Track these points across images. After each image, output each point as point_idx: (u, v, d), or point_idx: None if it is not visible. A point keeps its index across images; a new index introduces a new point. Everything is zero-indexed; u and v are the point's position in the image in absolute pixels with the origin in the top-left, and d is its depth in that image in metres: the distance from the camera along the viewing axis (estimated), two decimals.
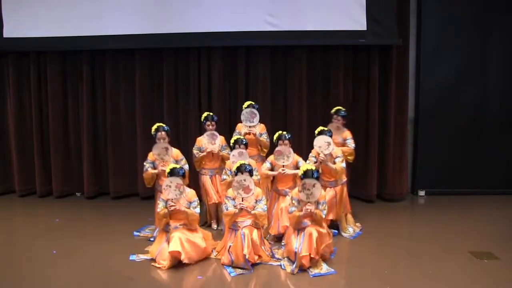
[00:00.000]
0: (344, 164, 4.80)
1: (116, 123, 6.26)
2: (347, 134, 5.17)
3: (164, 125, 4.87)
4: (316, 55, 6.02)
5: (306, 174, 4.03)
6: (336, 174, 4.77)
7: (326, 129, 4.82)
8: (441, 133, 6.23)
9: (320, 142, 4.68)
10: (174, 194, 4.14)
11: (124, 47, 6.00)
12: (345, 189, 4.96)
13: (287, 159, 4.55)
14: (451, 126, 6.23)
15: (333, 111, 5.22)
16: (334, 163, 4.74)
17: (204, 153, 4.99)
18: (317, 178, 4.05)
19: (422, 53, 6.14)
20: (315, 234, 3.94)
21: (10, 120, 6.41)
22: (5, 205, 6.11)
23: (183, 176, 4.31)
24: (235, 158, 4.59)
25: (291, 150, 4.60)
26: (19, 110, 6.35)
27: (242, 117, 5.15)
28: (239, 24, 5.77)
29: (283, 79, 6.08)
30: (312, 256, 3.93)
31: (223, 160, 5.04)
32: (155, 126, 4.83)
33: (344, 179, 4.93)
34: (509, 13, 6.06)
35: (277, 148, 4.62)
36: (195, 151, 5.08)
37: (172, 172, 4.23)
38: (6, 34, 6.08)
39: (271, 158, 4.72)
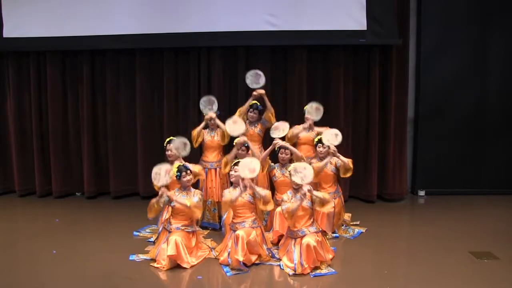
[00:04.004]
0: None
1: (116, 123, 6.26)
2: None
3: (175, 138, 4.82)
4: (316, 55, 6.02)
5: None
6: (346, 171, 4.85)
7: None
8: (441, 133, 6.23)
9: (328, 136, 4.80)
10: (165, 180, 4.13)
11: (124, 47, 6.00)
12: (342, 200, 5.03)
13: (282, 132, 4.78)
14: (451, 126, 6.23)
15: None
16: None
17: (203, 124, 5.04)
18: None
19: (422, 53, 6.15)
20: (313, 244, 3.92)
21: (10, 120, 6.41)
22: (5, 205, 6.11)
23: (188, 171, 4.30)
24: (230, 127, 4.83)
25: (287, 125, 4.84)
26: (19, 110, 6.36)
27: (247, 81, 5.20)
28: (239, 24, 5.77)
29: (283, 79, 6.08)
30: (312, 266, 3.95)
31: (223, 135, 5.03)
32: (167, 140, 4.84)
33: (340, 190, 5.03)
34: (509, 13, 6.07)
35: (275, 124, 4.85)
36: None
37: (179, 169, 4.25)
38: (6, 34, 6.08)
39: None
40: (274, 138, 4.80)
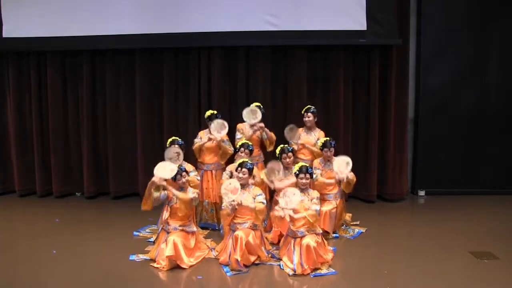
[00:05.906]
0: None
1: (116, 123, 6.26)
2: (321, 134, 5.23)
3: (178, 138, 4.87)
4: (316, 55, 6.02)
5: (301, 169, 4.17)
6: (347, 187, 4.82)
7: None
8: (441, 133, 6.23)
9: (338, 164, 4.74)
10: (167, 174, 4.15)
11: (124, 47, 6.00)
12: (343, 202, 5.01)
13: (278, 174, 4.59)
14: (451, 126, 6.23)
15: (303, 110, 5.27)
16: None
17: (205, 141, 4.99)
18: (311, 175, 4.21)
19: (422, 53, 6.14)
20: (313, 245, 3.92)
21: (10, 120, 6.41)
22: (5, 205, 6.11)
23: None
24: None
25: (281, 165, 4.62)
26: (19, 110, 6.35)
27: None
28: (239, 24, 5.77)
29: (283, 79, 6.08)
30: (312, 267, 3.94)
31: (223, 154, 5.04)
32: (170, 140, 4.85)
33: (342, 192, 4.98)
34: (509, 13, 6.07)
35: (268, 165, 4.66)
36: (195, 140, 5.11)
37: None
38: (6, 34, 6.08)
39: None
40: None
